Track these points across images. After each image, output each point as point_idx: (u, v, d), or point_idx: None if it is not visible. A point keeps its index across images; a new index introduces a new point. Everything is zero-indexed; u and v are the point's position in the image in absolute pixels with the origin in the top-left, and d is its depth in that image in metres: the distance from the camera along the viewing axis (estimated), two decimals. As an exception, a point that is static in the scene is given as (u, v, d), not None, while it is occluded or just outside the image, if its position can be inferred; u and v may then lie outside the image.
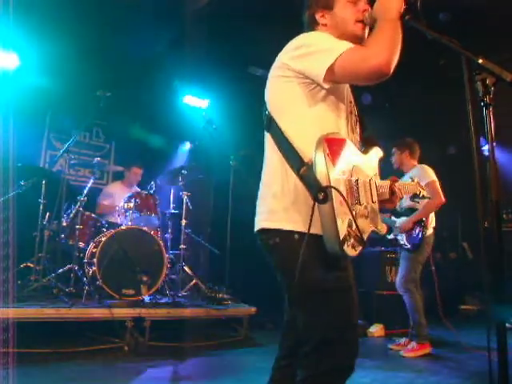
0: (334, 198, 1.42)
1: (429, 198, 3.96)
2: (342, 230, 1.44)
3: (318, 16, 1.80)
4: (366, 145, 1.81)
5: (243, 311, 4.79)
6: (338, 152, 1.51)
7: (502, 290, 1.32)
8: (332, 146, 1.49)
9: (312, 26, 1.82)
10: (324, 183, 1.42)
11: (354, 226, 1.49)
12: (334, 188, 1.42)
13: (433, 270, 4.55)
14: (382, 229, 1.72)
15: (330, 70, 1.52)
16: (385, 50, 1.48)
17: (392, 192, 1.80)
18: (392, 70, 1.49)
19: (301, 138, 1.58)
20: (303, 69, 1.59)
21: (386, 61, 1.47)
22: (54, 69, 5.66)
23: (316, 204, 1.44)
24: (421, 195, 2.06)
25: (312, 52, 1.58)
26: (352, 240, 1.47)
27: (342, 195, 1.44)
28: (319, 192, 1.42)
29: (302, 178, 1.52)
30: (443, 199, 4.41)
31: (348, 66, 1.52)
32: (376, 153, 1.82)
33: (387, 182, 1.79)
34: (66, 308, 3.89)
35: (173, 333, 4.30)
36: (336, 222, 1.41)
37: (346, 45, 1.56)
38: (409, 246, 4.48)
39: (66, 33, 5.19)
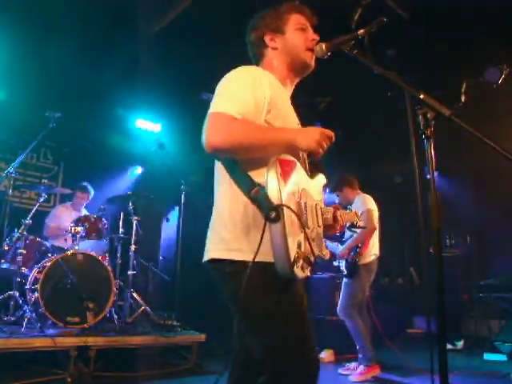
0: (285, 217, 1.41)
1: (364, 227, 4.20)
2: (293, 251, 1.43)
3: (267, 38, 1.80)
4: (312, 170, 1.84)
5: (193, 338, 4.69)
6: (289, 173, 1.52)
7: (443, 313, 1.37)
8: (284, 166, 1.50)
9: (259, 48, 1.83)
10: (276, 202, 1.42)
11: (303, 248, 1.49)
12: (287, 206, 1.42)
13: (367, 296, 4.67)
14: (326, 254, 1.73)
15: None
16: (231, 141, 1.49)
17: (335, 218, 1.82)
18: (216, 152, 1.55)
19: (251, 163, 1.58)
20: None
21: (217, 146, 1.50)
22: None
23: (267, 225, 1.42)
24: (357, 225, 2.12)
25: (216, 94, 1.64)
26: (301, 261, 1.47)
27: (294, 213, 1.44)
28: (271, 211, 1.41)
29: (253, 199, 1.51)
30: (375, 226, 4.57)
31: (208, 124, 1.53)
32: (321, 179, 1.86)
33: (331, 209, 1.82)
34: (4, 338, 3.67)
35: (120, 362, 4.14)
36: (287, 241, 1.40)
37: (234, 106, 1.55)
38: (345, 272, 4.63)
39: (14, 51, 5.06)
